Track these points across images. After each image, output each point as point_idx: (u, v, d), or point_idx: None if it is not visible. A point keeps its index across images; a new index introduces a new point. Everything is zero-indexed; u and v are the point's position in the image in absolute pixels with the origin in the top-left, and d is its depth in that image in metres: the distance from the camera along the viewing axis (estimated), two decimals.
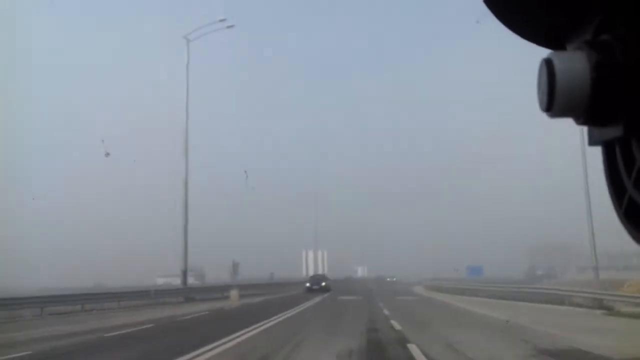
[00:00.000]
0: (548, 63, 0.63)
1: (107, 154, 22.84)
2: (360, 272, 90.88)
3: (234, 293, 25.63)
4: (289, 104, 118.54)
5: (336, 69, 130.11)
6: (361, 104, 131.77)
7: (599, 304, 16.75)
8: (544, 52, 0.67)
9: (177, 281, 57.34)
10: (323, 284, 37.76)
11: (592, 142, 0.67)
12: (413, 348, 8.22)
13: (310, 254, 66.55)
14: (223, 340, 9.28)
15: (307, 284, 37.78)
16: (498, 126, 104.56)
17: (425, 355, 7.56)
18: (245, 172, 40.30)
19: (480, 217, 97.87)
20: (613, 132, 0.62)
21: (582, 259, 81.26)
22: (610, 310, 15.62)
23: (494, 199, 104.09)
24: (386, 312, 16.41)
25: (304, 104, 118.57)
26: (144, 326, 12.69)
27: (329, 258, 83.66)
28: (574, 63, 0.62)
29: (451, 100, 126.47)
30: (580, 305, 17.47)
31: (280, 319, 14.36)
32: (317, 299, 26.43)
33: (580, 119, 0.63)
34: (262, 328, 11.79)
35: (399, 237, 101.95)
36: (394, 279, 76.15)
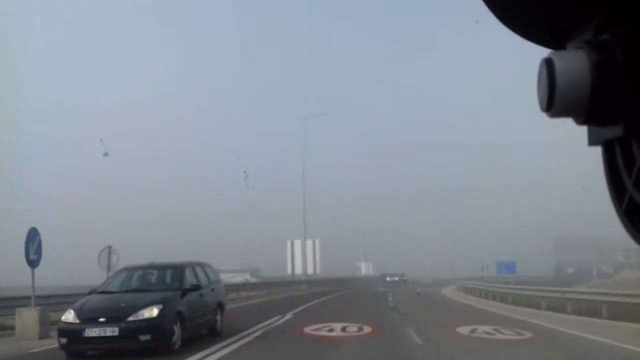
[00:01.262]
0: (548, 62, 0.66)
1: (106, 154, 23.18)
2: (364, 269, 79.81)
3: (26, 318, 12.19)
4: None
5: (338, 61, 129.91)
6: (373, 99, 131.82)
7: None
8: (543, 52, 0.70)
9: (237, 277, 54.79)
10: (145, 315, 8.84)
11: (592, 141, 0.70)
12: None
13: (298, 245, 49.41)
14: None
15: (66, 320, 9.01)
16: (514, 116, 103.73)
17: None
18: (245, 172, 34.74)
19: (498, 211, 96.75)
20: (613, 131, 0.65)
21: (616, 255, 77.84)
22: None
23: (513, 191, 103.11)
24: None
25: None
26: None
27: (326, 253, 72.88)
28: (575, 62, 0.64)
29: (464, 94, 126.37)
30: None
31: None
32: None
33: (581, 119, 0.66)
34: None
35: (408, 233, 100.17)
36: (405, 278, 64.98)
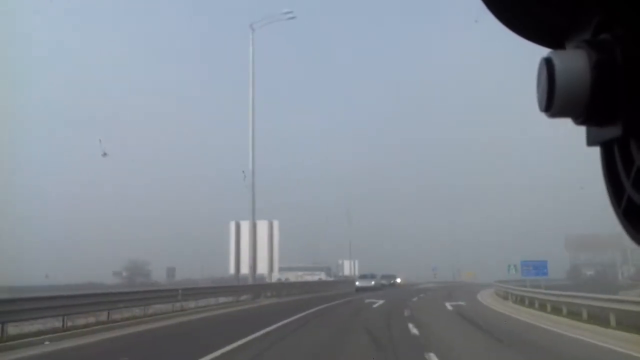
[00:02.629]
0: (548, 62, 0.68)
1: (105, 154, 23.01)
2: (348, 268, 66.24)
3: None
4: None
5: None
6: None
7: None
8: (543, 51, 0.72)
9: (306, 276, 50.22)
10: None
11: (590, 142, 0.73)
12: None
13: (245, 228, 32.96)
14: None
15: None
16: (513, 115, 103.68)
17: None
18: (243, 172, 31.29)
19: (500, 211, 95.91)
20: (612, 132, 0.67)
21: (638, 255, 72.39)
22: None
23: (515, 191, 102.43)
24: None
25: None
26: None
27: (308, 250, 62.38)
28: (574, 62, 0.67)
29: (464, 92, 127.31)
30: None
31: None
32: None
33: (579, 119, 0.69)
34: None
35: (402, 234, 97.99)
36: (392, 282, 52.44)
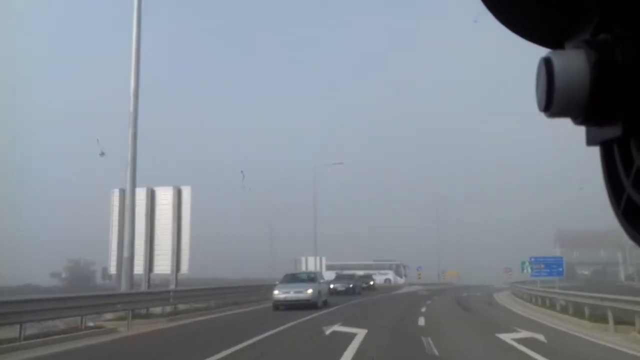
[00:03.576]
0: (547, 62, 0.70)
1: (102, 154, 21.96)
2: (314, 265, 48.04)
3: None
4: None
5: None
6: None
7: None
8: (542, 51, 0.74)
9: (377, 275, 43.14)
10: None
11: (590, 142, 0.74)
12: None
13: (141, 196, 19.08)
14: None
15: None
16: (511, 116, 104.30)
17: None
18: (242, 172, 31.00)
19: (494, 211, 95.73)
20: (611, 132, 0.69)
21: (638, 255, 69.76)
22: None
23: (505, 191, 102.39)
24: None
25: None
26: None
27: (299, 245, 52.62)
28: (573, 62, 0.68)
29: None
30: None
31: None
32: None
33: (579, 119, 0.70)
34: None
35: (383, 231, 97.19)
36: (351, 285, 35.64)
